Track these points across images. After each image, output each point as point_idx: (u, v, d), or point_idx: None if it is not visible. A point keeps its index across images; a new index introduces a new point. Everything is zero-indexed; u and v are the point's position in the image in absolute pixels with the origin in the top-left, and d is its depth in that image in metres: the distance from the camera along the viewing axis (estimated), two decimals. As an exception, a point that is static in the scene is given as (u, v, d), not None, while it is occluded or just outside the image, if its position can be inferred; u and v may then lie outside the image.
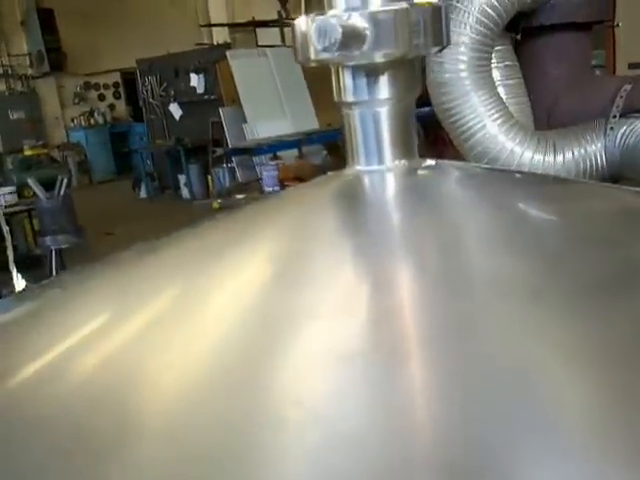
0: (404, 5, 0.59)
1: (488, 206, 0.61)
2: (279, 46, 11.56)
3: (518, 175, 0.78)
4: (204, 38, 14.71)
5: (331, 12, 0.61)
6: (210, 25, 14.35)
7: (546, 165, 2.68)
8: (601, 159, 2.67)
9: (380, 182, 0.65)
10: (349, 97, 0.64)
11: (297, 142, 9.56)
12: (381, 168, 0.65)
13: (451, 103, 2.26)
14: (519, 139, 2.62)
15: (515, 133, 2.59)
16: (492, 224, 0.59)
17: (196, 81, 11.98)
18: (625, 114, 2.65)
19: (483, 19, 2.12)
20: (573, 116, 2.81)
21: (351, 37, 0.57)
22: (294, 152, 9.42)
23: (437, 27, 0.61)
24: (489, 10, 2.12)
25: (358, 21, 0.57)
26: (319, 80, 10.71)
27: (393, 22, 0.58)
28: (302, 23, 0.62)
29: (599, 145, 2.65)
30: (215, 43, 13.28)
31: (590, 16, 2.52)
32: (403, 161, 0.64)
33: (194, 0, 15.62)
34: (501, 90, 2.40)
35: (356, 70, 0.63)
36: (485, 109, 2.26)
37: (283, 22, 12.02)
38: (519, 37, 2.60)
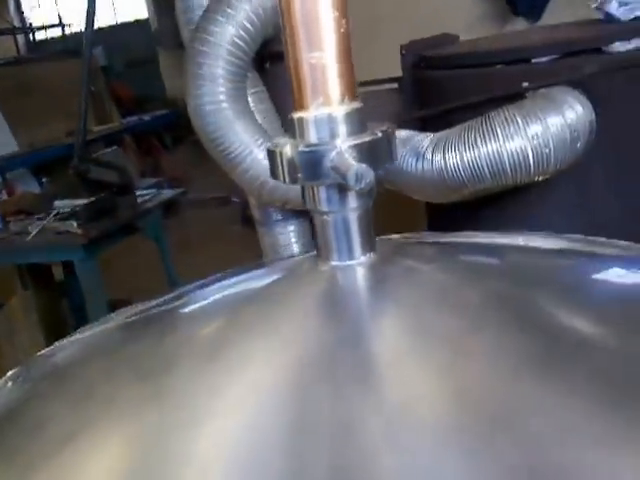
0: (379, 134, 0.71)
1: (472, 291, 0.73)
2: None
3: (490, 246, 0.92)
4: None
5: (306, 142, 0.71)
6: None
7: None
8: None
9: (354, 275, 0.77)
10: (324, 208, 0.75)
11: (-3, 169, 8.71)
12: (352, 263, 0.77)
13: (216, 133, 2.31)
14: (282, 160, 2.82)
15: (279, 155, 2.79)
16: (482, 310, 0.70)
17: None
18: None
19: (234, 50, 2.21)
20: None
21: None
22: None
23: (394, 145, 0.74)
24: (239, 41, 2.21)
25: (349, 154, 0.68)
26: (13, 98, 9.85)
27: (372, 151, 0.71)
28: (287, 150, 0.71)
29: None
30: None
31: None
32: (370, 254, 0.77)
33: None
34: (257, 116, 2.50)
35: (330, 187, 0.74)
36: (249, 135, 2.34)
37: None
38: (268, 65, 2.71)
